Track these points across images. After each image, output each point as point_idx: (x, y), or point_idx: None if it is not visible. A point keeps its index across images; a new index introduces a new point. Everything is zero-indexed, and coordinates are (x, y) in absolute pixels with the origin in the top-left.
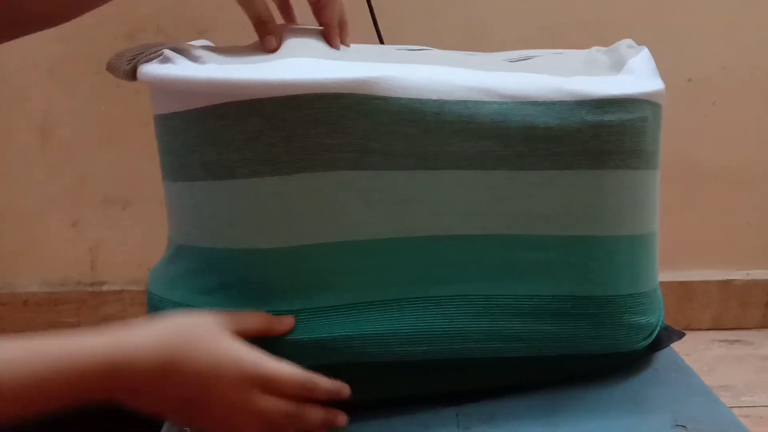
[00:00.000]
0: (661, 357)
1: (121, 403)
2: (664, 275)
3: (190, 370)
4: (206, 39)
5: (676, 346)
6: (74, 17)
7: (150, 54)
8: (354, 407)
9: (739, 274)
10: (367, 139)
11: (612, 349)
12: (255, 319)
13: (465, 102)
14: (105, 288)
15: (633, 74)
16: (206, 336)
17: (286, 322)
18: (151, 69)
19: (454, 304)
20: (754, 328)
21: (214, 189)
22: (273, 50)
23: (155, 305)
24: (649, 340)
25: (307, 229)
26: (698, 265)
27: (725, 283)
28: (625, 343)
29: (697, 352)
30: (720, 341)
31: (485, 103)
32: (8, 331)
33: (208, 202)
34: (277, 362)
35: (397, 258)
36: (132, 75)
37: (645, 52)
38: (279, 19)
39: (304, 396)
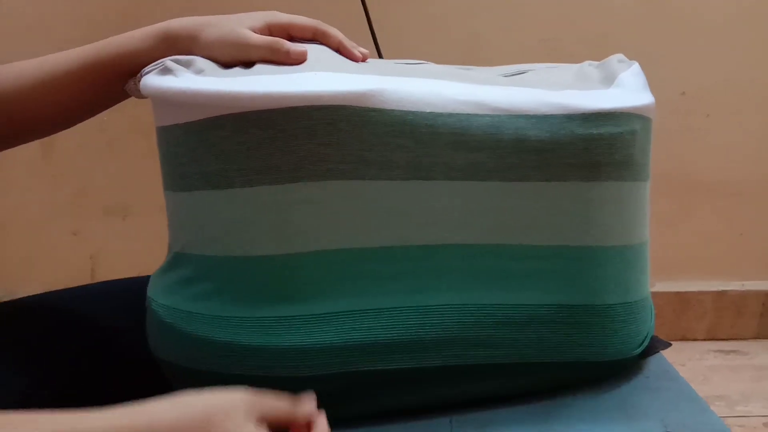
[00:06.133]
0: (652, 365)
1: None
2: (660, 286)
3: None
4: None
5: (672, 355)
6: (61, 129)
7: (152, 66)
8: (348, 420)
9: (734, 285)
10: (363, 150)
11: (603, 357)
12: (278, 407)
13: (458, 115)
14: None
15: (623, 88)
16: (231, 425)
17: (309, 407)
18: (152, 81)
19: (445, 313)
20: (749, 338)
21: (212, 198)
22: (304, 57)
23: (154, 310)
24: (640, 349)
25: (302, 237)
26: (693, 276)
27: (720, 294)
28: (616, 352)
29: (693, 362)
30: (715, 351)
31: (478, 116)
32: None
33: (207, 210)
34: None
35: (391, 267)
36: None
37: (635, 67)
38: None
39: None
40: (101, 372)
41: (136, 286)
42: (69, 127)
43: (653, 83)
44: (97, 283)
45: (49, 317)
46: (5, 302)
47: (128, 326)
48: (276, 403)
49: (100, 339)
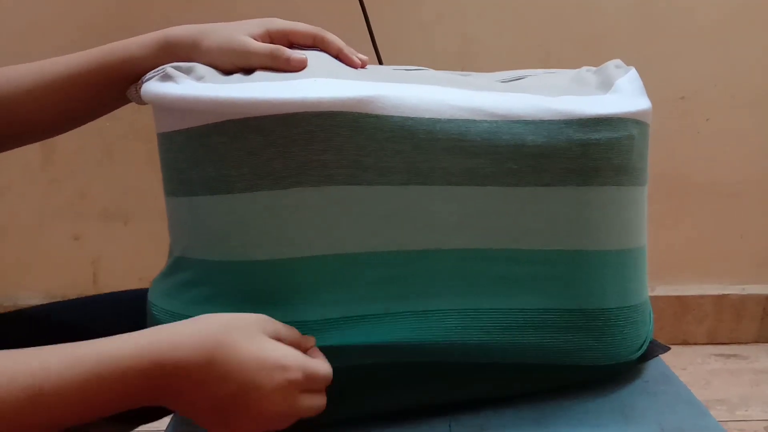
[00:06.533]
0: (651, 369)
1: (163, 403)
2: (660, 290)
3: (232, 366)
4: None
5: (672, 359)
6: (61, 133)
7: (153, 73)
8: (347, 421)
9: (734, 289)
10: (361, 156)
11: (601, 361)
12: (288, 332)
13: (456, 120)
14: None
15: (620, 94)
16: (248, 335)
17: (312, 341)
18: (153, 88)
19: (443, 319)
20: (750, 342)
21: (212, 203)
22: (304, 64)
23: (154, 314)
24: (639, 353)
25: (301, 242)
26: (693, 279)
27: (720, 298)
28: (615, 356)
29: (693, 366)
30: (716, 355)
31: (476, 121)
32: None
33: (207, 215)
34: (315, 361)
35: (388, 272)
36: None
37: (632, 72)
38: None
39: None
40: None
41: (138, 297)
42: (69, 129)
43: (653, 87)
44: (100, 294)
45: (53, 327)
46: (9, 312)
47: None
48: (286, 328)
49: None
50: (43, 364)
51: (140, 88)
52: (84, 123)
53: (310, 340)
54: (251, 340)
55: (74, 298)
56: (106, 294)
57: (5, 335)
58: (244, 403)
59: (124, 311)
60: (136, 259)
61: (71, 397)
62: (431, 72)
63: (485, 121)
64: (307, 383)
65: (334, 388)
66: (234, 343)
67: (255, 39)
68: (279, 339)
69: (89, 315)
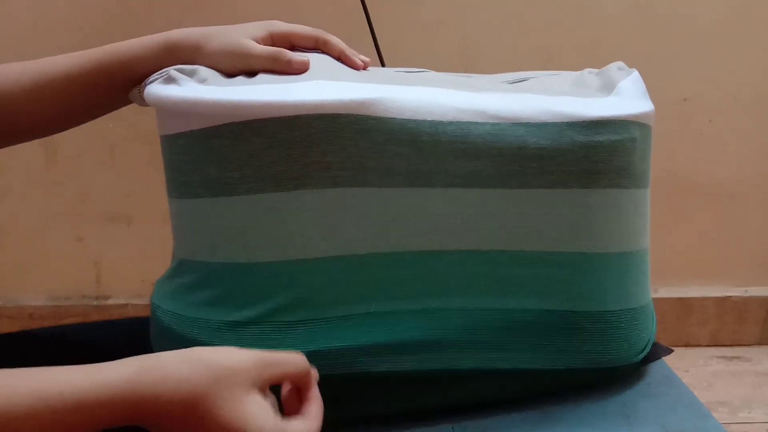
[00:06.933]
0: (653, 371)
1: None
2: (662, 291)
3: (213, 418)
4: None
5: (675, 361)
6: (60, 131)
7: (156, 75)
8: (348, 424)
9: (736, 291)
10: (363, 158)
11: (604, 363)
12: (287, 368)
13: (458, 123)
14: (110, 302)
15: (622, 96)
16: (236, 394)
17: (314, 375)
18: (156, 90)
19: (445, 319)
20: (752, 344)
21: (215, 205)
22: (306, 67)
23: (157, 316)
24: (642, 355)
25: (304, 244)
26: (696, 281)
27: (723, 300)
28: (617, 358)
29: (696, 368)
30: (718, 357)
31: (478, 123)
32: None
33: (210, 217)
34: (297, 427)
35: (391, 273)
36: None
37: (635, 75)
38: None
39: None
40: None
41: (141, 323)
42: (68, 128)
43: (655, 89)
44: (113, 319)
45: (65, 349)
46: (20, 332)
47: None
48: (282, 371)
49: None
50: (12, 399)
51: (143, 90)
52: (84, 122)
53: (313, 374)
54: (236, 402)
55: (87, 322)
56: (119, 319)
57: (16, 355)
58: None
59: (138, 335)
60: (139, 260)
61: (43, 427)
62: (433, 74)
63: (488, 123)
64: None
65: (336, 389)
66: (218, 401)
67: (257, 42)
68: (275, 383)
69: (101, 337)
